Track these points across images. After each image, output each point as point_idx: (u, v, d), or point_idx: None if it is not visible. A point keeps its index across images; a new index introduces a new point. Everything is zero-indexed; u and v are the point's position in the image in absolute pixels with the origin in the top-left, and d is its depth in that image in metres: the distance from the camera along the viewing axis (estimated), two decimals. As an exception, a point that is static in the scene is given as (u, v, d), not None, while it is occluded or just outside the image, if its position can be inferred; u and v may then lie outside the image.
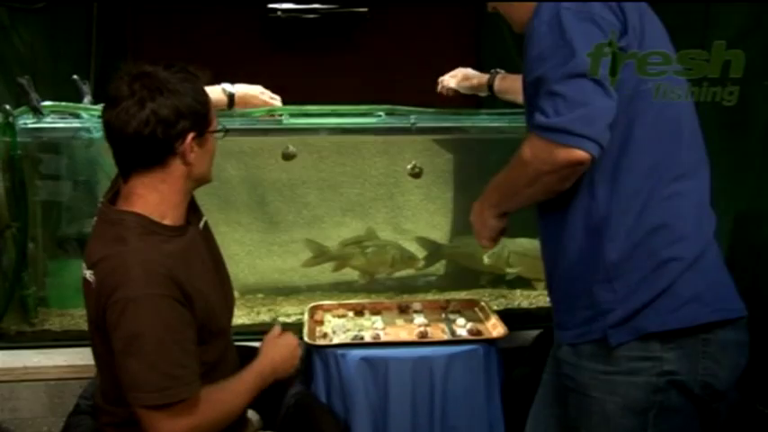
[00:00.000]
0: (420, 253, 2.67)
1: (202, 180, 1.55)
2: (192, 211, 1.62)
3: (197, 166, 1.48)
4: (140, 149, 1.41)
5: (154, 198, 1.45)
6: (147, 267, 1.37)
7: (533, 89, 1.33)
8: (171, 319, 1.38)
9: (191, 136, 1.42)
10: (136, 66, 1.43)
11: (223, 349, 1.58)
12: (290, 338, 1.72)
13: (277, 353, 1.67)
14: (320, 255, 2.59)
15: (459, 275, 2.68)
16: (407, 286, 2.64)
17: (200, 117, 1.44)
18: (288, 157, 2.35)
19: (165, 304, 1.37)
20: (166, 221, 1.48)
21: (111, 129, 1.41)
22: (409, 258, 2.61)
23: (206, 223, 1.67)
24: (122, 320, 1.35)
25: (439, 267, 2.74)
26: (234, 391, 1.53)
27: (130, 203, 1.46)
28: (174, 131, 1.40)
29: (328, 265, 2.64)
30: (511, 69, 3.11)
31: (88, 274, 1.43)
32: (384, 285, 2.64)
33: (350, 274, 2.66)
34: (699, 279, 1.36)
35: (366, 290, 2.62)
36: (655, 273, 1.34)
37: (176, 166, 1.45)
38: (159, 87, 1.39)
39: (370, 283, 2.61)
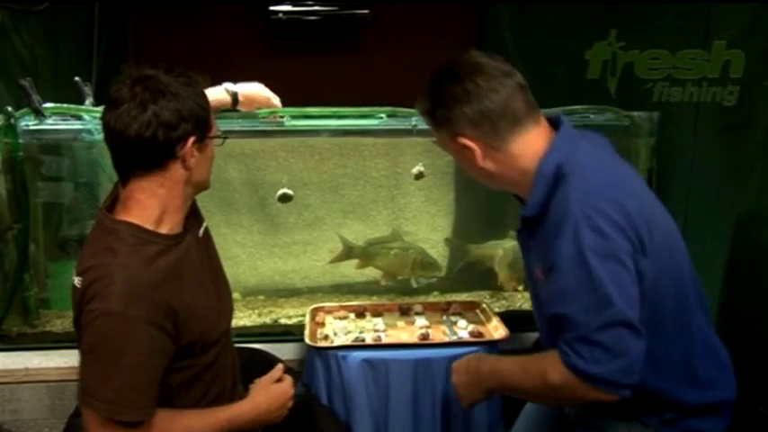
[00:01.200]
0: (446, 254, 2.67)
1: (201, 186, 1.54)
2: (193, 216, 1.60)
3: (197, 172, 1.47)
4: (141, 152, 1.39)
5: (152, 203, 1.43)
6: (130, 285, 1.34)
7: (553, 318, 1.35)
8: (139, 342, 1.34)
9: (192, 140, 1.41)
10: (137, 69, 1.42)
11: (214, 357, 1.55)
12: (286, 387, 1.63)
13: (266, 400, 1.58)
14: (349, 251, 2.58)
15: (461, 277, 2.68)
16: (409, 288, 2.64)
17: (201, 121, 1.43)
18: (284, 199, 2.36)
19: (138, 327, 1.34)
20: (163, 229, 1.46)
21: (112, 131, 1.39)
22: (429, 264, 2.59)
23: (206, 229, 1.65)
24: (91, 328, 1.35)
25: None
26: (194, 429, 1.47)
27: (128, 209, 1.44)
28: (176, 135, 1.39)
29: (329, 267, 2.64)
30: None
31: (77, 280, 1.41)
32: (385, 287, 2.64)
33: (350, 275, 2.66)
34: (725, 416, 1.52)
35: (367, 291, 2.62)
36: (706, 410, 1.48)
37: (176, 171, 1.43)
38: (161, 90, 1.38)
39: (391, 285, 2.62)
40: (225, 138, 1.56)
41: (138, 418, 1.37)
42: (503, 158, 1.43)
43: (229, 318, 1.66)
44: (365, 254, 2.58)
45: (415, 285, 2.61)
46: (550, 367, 1.33)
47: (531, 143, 1.43)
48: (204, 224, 1.65)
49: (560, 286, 1.32)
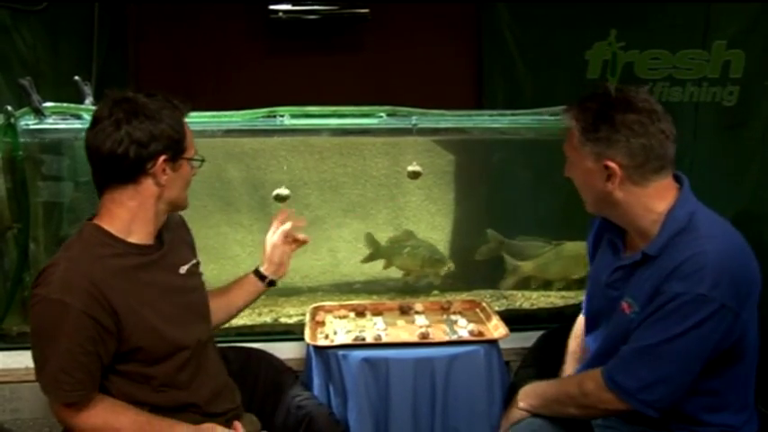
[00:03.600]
0: (485, 245, 2.68)
1: (175, 205, 1.63)
2: (187, 246, 1.74)
3: (169, 190, 1.57)
4: (114, 167, 1.50)
5: (120, 212, 1.54)
6: (69, 273, 1.45)
7: None
8: (72, 328, 1.44)
9: (162, 158, 1.52)
10: (119, 92, 1.54)
11: (177, 369, 1.58)
12: None
13: None
14: (376, 251, 2.61)
15: (461, 276, 2.68)
16: (409, 287, 2.64)
17: (173, 142, 1.53)
18: (279, 199, 2.36)
19: (72, 314, 1.43)
20: (131, 239, 1.55)
21: (89, 147, 1.52)
22: (436, 261, 2.62)
23: (194, 268, 1.73)
24: (33, 312, 1.48)
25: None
26: (140, 422, 1.53)
27: (100, 216, 1.56)
28: (146, 152, 1.50)
29: (330, 266, 2.65)
30: (511, 71, 3.12)
31: None
32: (385, 286, 2.64)
33: (350, 274, 2.67)
34: None
35: (367, 290, 2.62)
36: None
37: (148, 186, 1.54)
38: (136, 111, 1.49)
39: (391, 284, 2.65)
40: (202, 161, 1.65)
41: (69, 399, 1.48)
42: (637, 192, 1.53)
43: (197, 342, 1.64)
44: (388, 253, 2.62)
45: (422, 284, 2.62)
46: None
47: (666, 188, 1.55)
48: (193, 262, 1.73)
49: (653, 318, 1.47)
